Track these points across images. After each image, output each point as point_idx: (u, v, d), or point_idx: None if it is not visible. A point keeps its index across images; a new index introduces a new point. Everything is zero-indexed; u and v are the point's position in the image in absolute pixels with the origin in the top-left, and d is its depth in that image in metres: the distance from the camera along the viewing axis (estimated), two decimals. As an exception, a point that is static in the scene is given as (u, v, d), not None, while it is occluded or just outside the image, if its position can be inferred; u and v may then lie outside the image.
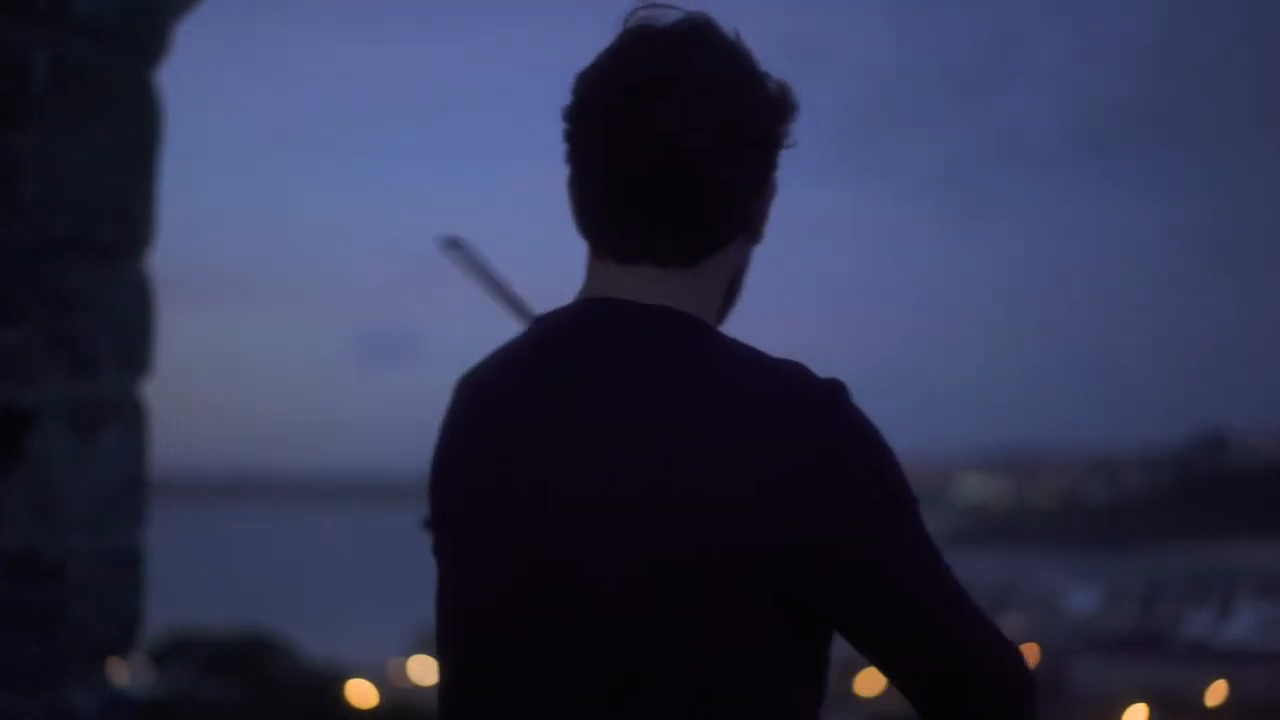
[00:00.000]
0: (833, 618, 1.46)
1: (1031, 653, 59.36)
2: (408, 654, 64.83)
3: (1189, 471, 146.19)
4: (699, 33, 1.51)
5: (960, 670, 1.46)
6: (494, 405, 1.54)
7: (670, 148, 1.47)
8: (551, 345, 1.52)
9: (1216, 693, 53.00)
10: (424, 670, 59.95)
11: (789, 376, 1.45)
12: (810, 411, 1.42)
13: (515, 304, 2.04)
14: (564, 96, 1.57)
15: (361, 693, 29.03)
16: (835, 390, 1.45)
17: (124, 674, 2.94)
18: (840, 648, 1.52)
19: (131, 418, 3.01)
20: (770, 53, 1.52)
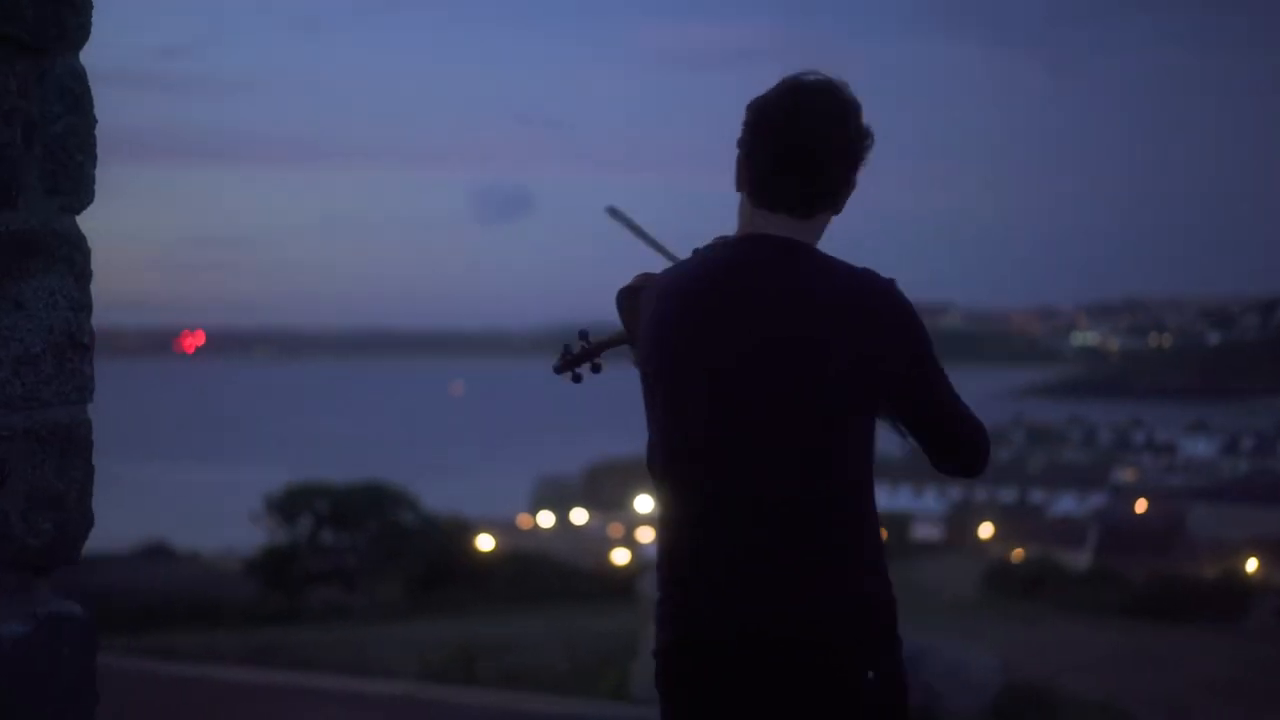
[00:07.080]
0: (899, 404, 2.60)
1: (1141, 505, 58.97)
2: (535, 509, 65.76)
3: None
4: (834, 87, 2.59)
5: (954, 433, 2.63)
6: (711, 292, 2.59)
7: (815, 151, 2.56)
8: (740, 261, 2.60)
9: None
10: (547, 522, 61.17)
11: (870, 274, 2.58)
12: (885, 293, 2.56)
13: (659, 246, 2.94)
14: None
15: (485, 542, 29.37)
16: (893, 282, 2.58)
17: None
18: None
19: (65, 259, 2.20)
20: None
